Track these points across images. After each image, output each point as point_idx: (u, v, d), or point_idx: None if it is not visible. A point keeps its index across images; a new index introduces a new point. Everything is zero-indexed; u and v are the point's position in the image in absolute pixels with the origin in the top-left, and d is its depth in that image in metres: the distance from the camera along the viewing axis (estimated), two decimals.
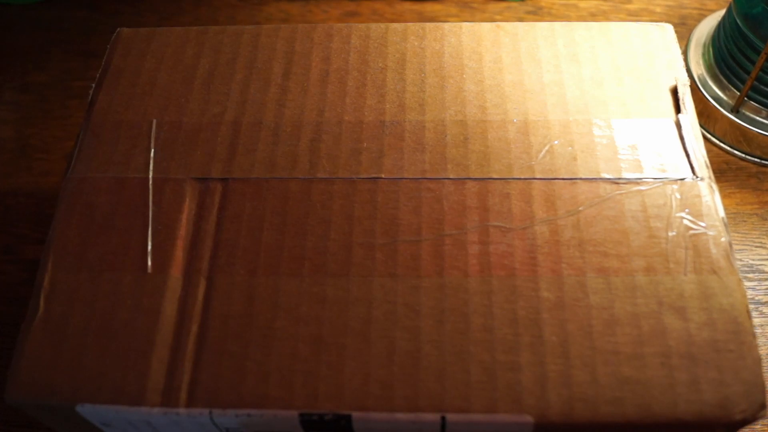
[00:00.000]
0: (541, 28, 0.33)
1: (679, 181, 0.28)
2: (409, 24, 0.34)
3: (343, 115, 0.31)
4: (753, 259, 0.39)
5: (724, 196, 0.42)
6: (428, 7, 0.51)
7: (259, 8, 0.52)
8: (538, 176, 0.28)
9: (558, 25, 0.33)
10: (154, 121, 0.31)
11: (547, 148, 0.29)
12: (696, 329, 0.25)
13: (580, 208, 0.28)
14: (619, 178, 0.28)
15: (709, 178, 0.28)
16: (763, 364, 0.36)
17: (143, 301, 0.26)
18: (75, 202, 0.29)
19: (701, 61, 0.44)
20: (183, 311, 0.26)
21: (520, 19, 0.51)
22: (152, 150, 0.30)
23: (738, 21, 0.40)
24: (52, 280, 0.27)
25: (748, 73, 0.40)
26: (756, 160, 0.43)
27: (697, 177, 0.28)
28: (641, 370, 0.24)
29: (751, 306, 0.38)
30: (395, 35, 0.33)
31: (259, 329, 0.25)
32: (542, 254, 0.26)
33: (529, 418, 0.23)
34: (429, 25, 0.34)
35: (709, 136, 0.44)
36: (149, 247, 0.27)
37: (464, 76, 0.32)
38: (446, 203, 0.28)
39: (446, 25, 0.34)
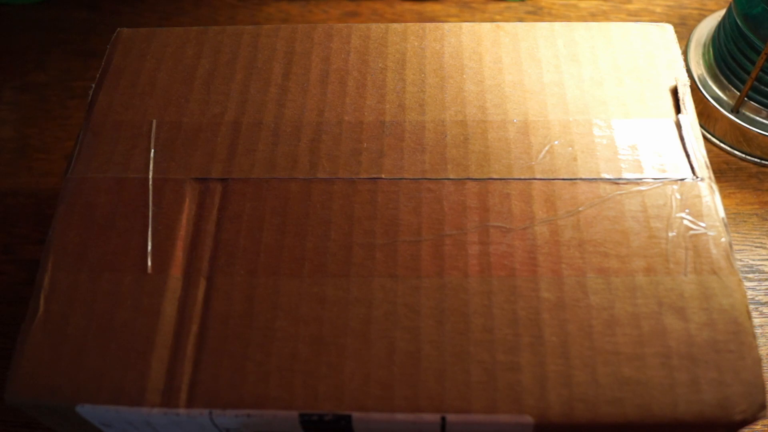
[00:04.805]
0: (541, 28, 0.33)
1: (679, 182, 0.28)
2: (409, 24, 0.34)
3: (343, 115, 0.31)
4: (753, 260, 0.39)
5: (724, 197, 0.42)
6: (428, 7, 0.51)
7: (259, 8, 0.52)
8: (538, 176, 0.28)
9: (558, 25, 0.33)
10: (154, 121, 0.31)
11: (547, 148, 0.29)
12: (696, 330, 0.25)
13: (580, 209, 0.28)
14: (619, 179, 0.28)
15: (709, 178, 0.28)
16: (763, 364, 0.36)
17: (143, 302, 0.26)
18: (75, 202, 0.29)
19: (701, 61, 0.44)
20: (183, 311, 0.26)
21: (520, 19, 0.51)
22: (152, 150, 0.30)
23: (738, 21, 0.40)
24: (52, 280, 0.27)
25: (748, 73, 0.40)
26: (756, 160, 0.43)
27: (697, 177, 0.28)
28: (641, 371, 0.24)
29: (751, 306, 0.38)
30: (395, 35, 0.33)
31: (259, 329, 0.25)
32: (542, 254, 0.26)
33: (529, 419, 0.23)
34: (429, 25, 0.34)
35: (709, 136, 0.44)
36: (149, 247, 0.27)
37: (464, 76, 0.32)
38: (446, 203, 0.28)
39: (446, 25, 0.34)
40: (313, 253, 0.27)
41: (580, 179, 0.28)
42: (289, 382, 0.24)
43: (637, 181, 0.28)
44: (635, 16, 0.50)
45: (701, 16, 0.50)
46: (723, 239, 0.27)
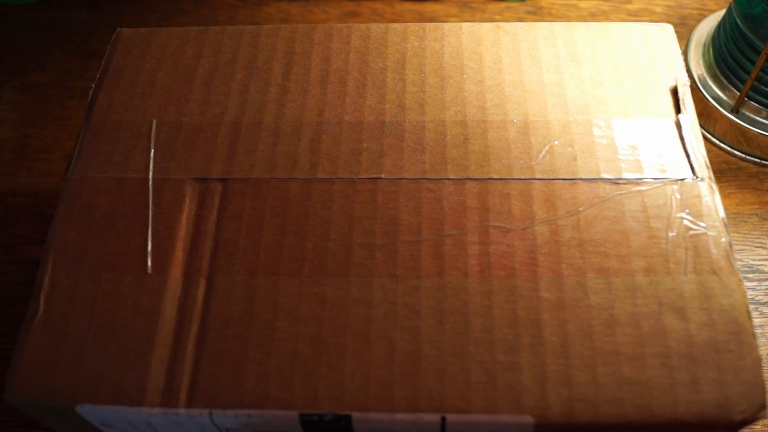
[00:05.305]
0: (541, 28, 0.33)
1: (679, 182, 0.28)
2: (409, 24, 0.34)
3: (343, 115, 0.31)
4: (753, 260, 0.39)
5: (724, 197, 0.42)
6: (428, 7, 0.51)
7: (259, 8, 0.52)
8: (538, 176, 0.28)
9: (558, 25, 0.33)
10: (154, 121, 0.31)
11: (547, 148, 0.29)
12: (696, 330, 0.25)
13: (580, 209, 0.28)
14: (619, 179, 0.28)
15: (709, 178, 0.28)
16: (763, 364, 0.36)
17: (143, 302, 0.26)
18: (75, 202, 0.29)
19: (701, 61, 0.44)
20: (183, 311, 0.26)
21: (520, 19, 0.51)
22: (152, 150, 0.30)
23: (738, 21, 0.40)
24: (52, 280, 0.27)
25: (748, 73, 0.40)
26: (756, 160, 0.43)
27: (697, 177, 0.28)
28: (641, 371, 0.24)
29: (751, 306, 0.38)
30: (395, 35, 0.33)
31: (259, 329, 0.25)
32: (542, 254, 0.26)
33: (529, 419, 0.23)
34: (429, 25, 0.34)
35: (709, 136, 0.44)
36: (149, 247, 0.27)
37: (464, 76, 0.32)
38: (446, 203, 0.28)
39: (446, 25, 0.34)
40: (313, 253, 0.27)
41: (580, 179, 0.28)
42: (289, 382, 0.24)
43: (637, 181, 0.28)
44: (635, 16, 0.50)
45: (701, 16, 0.50)
46: (723, 239, 0.27)
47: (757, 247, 0.40)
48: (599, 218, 0.27)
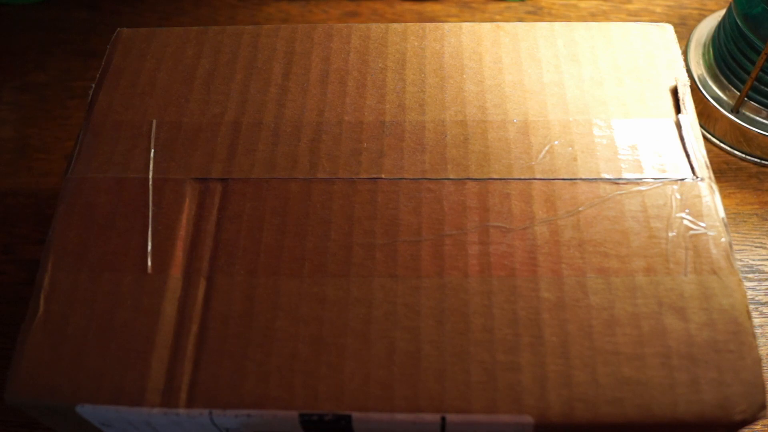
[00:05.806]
0: (541, 28, 0.33)
1: (679, 182, 0.28)
2: (409, 24, 0.34)
3: (343, 115, 0.31)
4: (753, 260, 0.39)
5: (724, 197, 0.42)
6: (428, 7, 0.51)
7: (259, 8, 0.52)
8: (538, 176, 0.28)
9: (558, 25, 0.33)
10: (154, 121, 0.31)
11: (547, 148, 0.29)
12: (696, 330, 0.25)
13: (580, 209, 0.28)
14: (619, 179, 0.28)
15: (709, 178, 0.28)
16: (763, 364, 0.36)
17: (143, 302, 0.26)
18: (75, 202, 0.29)
19: (701, 61, 0.44)
20: (183, 311, 0.26)
21: (520, 19, 0.51)
22: (152, 150, 0.30)
23: (738, 21, 0.40)
24: (52, 280, 0.27)
25: (748, 73, 0.40)
26: (756, 160, 0.43)
27: (697, 177, 0.28)
28: (641, 371, 0.24)
29: (751, 306, 0.38)
30: (395, 35, 0.33)
31: (259, 329, 0.25)
32: (542, 254, 0.26)
33: (529, 419, 0.23)
34: (429, 25, 0.34)
35: (709, 136, 0.44)
36: (149, 247, 0.27)
37: (464, 76, 0.32)
38: (446, 203, 0.28)
39: (446, 25, 0.34)
40: (313, 253, 0.27)
41: (580, 179, 0.28)
42: (289, 382, 0.24)
43: (637, 181, 0.28)
44: (635, 16, 0.50)
45: (701, 16, 0.50)
46: (723, 239, 0.27)
47: (757, 247, 0.40)
48: (599, 218, 0.27)
